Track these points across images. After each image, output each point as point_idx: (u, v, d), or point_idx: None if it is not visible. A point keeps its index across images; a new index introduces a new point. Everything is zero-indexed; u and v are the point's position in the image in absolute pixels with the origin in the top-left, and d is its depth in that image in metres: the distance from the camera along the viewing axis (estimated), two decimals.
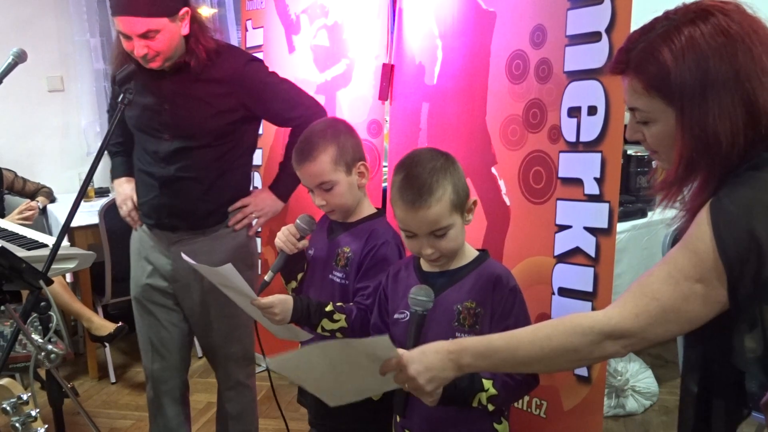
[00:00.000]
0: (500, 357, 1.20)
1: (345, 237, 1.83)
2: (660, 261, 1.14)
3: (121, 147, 2.32)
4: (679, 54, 1.07)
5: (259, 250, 3.52)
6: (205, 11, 4.62)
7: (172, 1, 1.92)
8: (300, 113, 2.19)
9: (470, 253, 1.60)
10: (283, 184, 2.27)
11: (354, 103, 3.01)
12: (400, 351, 1.25)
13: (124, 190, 2.28)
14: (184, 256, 2.01)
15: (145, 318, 2.29)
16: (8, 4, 3.37)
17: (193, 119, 2.00)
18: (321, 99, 3.14)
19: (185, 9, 1.96)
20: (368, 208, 1.86)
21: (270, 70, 2.22)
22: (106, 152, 2.27)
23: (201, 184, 2.11)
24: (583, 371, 2.24)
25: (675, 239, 2.14)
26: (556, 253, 2.26)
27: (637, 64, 1.12)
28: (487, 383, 1.45)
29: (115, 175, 2.35)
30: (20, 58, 2.00)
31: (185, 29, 1.98)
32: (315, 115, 2.21)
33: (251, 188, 2.34)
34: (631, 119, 1.19)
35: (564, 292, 2.25)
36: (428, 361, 1.22)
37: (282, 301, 1.69)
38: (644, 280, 1.13)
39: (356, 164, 1.80)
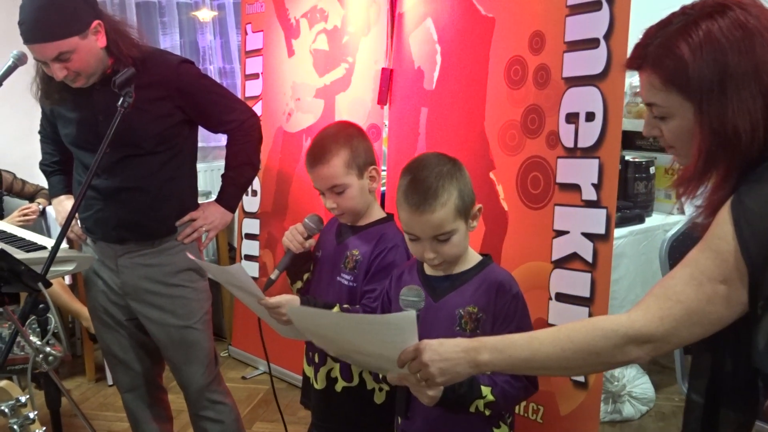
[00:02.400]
0: (519, 356, 1.18)
1: (354, 240, 1.84)
2: (681, 262, 1.12)
3: (57, 166, 2.28)
4: (697, 48, 1.06)
5: (257, 253, 3.54)
6: (205, 14, 4.63)
7: (79, 18, 1.86)
8: (234, 118, 2.15)
9: (473, 257, 1.60)
10: (229, 195, 2.23)
11: (353, 107, 3.02)
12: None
13: (64, 208, 2.24)
14: (188, 254, 2.01)
15: (104, 332, 2.25)
16: (8, 5, 3.38)
17: (131, 128, 1.91)
18: (320, 103, 3.16)
19: (96, 22, 1.89)
20: (378, 212, 1.86)
21: (202, 73, 2.18)
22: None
23: (146, 193, 2.05)
24: (579, 376, 2.25)
25: (672, 245, 2.16)
26: (553, 259, 2.26)
27: (654, 59, 1.11)
28: (485, 390, 1.45)
29: (53, 193, 2.30)
30: (20, 60, 2.01)
31: (101, 42, 1.91)
32: (249, 120, 2.19)
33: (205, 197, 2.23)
34: (647, 115, 1.18)
35: (561, 297, 2.25)
36: (445, 351, 1.21)
37: (289, 301, 1.70)
38: (667, 283, 1.11)
39: (368, 168, 1.80)
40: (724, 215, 1.07)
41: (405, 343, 1.25)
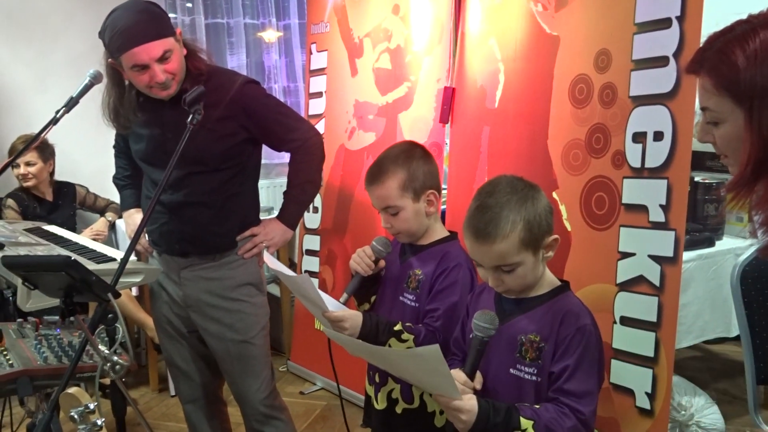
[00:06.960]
0: None
1: (417, 259, 1.83)
2: None
3: (129, 180, 2.37)
4: (752, 55, 1.07)
5: (317, 269, 3.56)
6: (271, 35, 4.73)
7: (170, 23, 1.99)
8: (297, 137, 2.18)
9: (550, 282, 1.52)
10: (290, 213, 2.25)
11: (415, 125, 3.03)
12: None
13: (134, 221, 2.33)
14: (266, 254, 2.04)
15: (167, 342, 2.31)
16: (87, 26, 3.55)
17: (196, 145, 1.95)
18: (382, 121, 3.18)
19: (178, 29, 2.02)
20: (440, 232, 1.85)
21: (267, 93, 2.21)
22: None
23: (210, 208, 2.10)
24: (645, 404, 2.17)
25: (745, 270, 2.07)
26: (618, 281, 2.21)
27: (710, 64, 1.12)
28: (525, 423, 1.36)
29: (124, 207, 2.39)
30: (96, 79, 2.10)
31: (183, 50, 2.02)
32: (311, 139, 2.21)
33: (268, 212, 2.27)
34: (702, 120, 1.18)
35: (626, 321, 2.19)
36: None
37: (352, 316, 1.71)
38: None
39: (425, 192, 1.78)
40: None
41: (437, 371, 1.32)
